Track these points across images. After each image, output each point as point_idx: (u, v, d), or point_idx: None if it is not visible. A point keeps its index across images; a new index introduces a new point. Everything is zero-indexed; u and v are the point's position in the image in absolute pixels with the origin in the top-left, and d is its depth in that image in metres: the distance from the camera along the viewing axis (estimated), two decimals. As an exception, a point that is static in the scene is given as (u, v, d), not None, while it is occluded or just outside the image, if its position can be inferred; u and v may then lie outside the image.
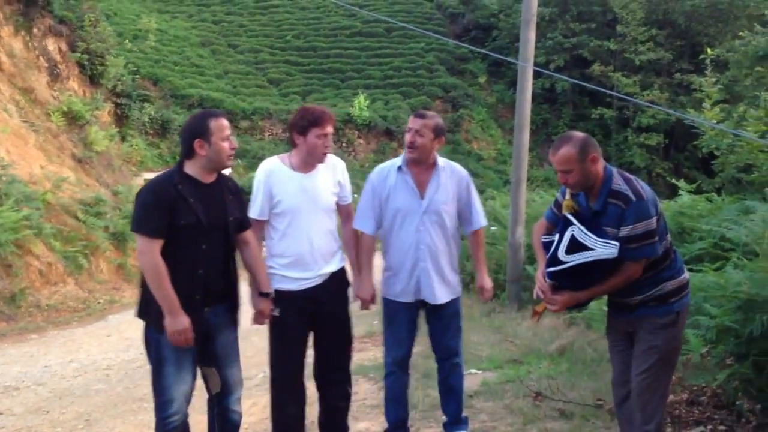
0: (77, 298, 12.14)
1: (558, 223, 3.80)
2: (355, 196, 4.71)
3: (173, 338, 3.80)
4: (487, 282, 4.86)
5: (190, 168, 3.95)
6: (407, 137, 4.57)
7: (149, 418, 6.02)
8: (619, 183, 3.61)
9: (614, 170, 3.68)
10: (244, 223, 4.19)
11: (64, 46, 19.95)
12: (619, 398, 3.95)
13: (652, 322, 3.66)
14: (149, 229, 3.81)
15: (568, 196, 3.80)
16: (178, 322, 3.78)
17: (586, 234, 3.59)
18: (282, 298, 4.35)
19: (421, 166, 4.61)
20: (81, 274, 12.87)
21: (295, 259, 4.37)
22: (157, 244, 3.79)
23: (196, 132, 3.91)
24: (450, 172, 4.68)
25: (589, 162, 3.61)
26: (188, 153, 3.93)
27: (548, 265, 3.71)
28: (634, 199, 3.54)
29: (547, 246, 3.80)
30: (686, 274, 3.79)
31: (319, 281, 4.42)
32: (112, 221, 14.78)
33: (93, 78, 21.40)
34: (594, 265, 3.57)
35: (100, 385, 7.24)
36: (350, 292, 4.67)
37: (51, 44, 19.39)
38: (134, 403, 6.57)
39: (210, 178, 4.01)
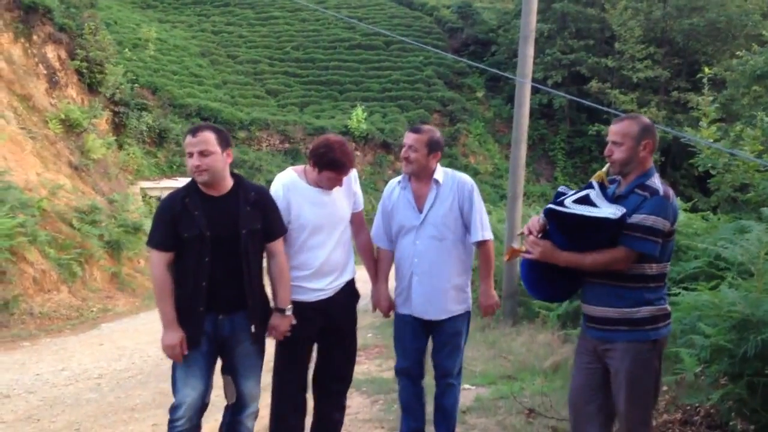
0: (70, 306, 12.10)
1: None
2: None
3: (164, 351, 3.95)
4: (486, 297, 4.78)
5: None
6: (402, 152, 4.59)
7: (140, 428, 6.04)
8: (655, 181, 3.60)
9: (657, 174, 3.66)
10: (271, 233, 4.19)
11: (63, 54, 19.95)
12: (575, 415, 3.89)
13: (626, 350, 3.60)
14: (154, 242, 3.98)
15: (605, 169, 3.78)
16: (170, 337, 3.91)
17: (600, 198, 3.59)
18: (295, 308, 4.33)
19: (421, 181, 4.63)
20: (75, 282, 12.84)
21: (313, 272, 4.40)
22: (162, 257, 3.93)
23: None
24: (452, 183, 4.63)
25: (641, 146, 3.61)
26: None
27: (552, 203, 3.66)
28: (661, 194, 3.53)
29: (558, 196, 3.75)
30: (668, 306, 3.73)
31: (332, 293, 4.46)
32: (107, 229, 14.74)
33: (91, 86, 21.39)
34: (591, 230, 3.52)
35: (92, 395, 7.20)
36: (360, 303, 4.70)
37: (50, 51, 19.40)
38: (125, 413, 6.54)
39: (219, 191, 4.06)
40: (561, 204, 3.60)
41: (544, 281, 3.90)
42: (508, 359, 7.88)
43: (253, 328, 4.10)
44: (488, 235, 4.66)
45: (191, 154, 3.93)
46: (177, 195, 4.04)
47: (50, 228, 13.11)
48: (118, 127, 24.40)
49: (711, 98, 10.31)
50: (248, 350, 4.15)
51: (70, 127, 17.94)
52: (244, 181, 4.21)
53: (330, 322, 4.47)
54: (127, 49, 34.46)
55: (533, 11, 10.43)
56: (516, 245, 3.89)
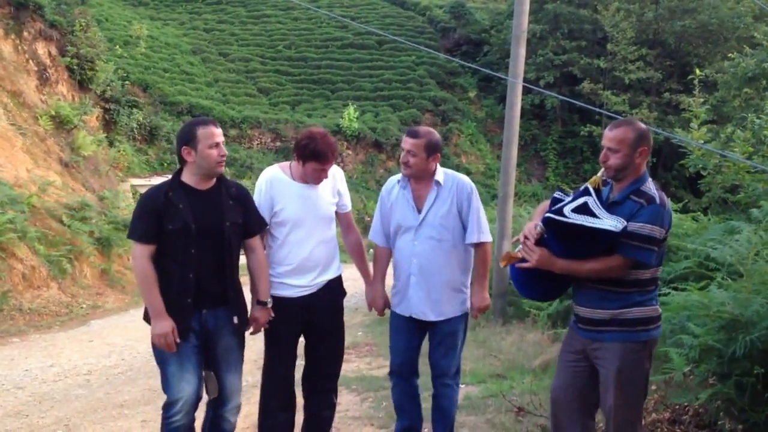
0: (60, 302, 12.05)
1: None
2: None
3: (156, 341, 3.96)
4: (480, 299, 4.75)
5: (186, 175, 4.12)
6: (401, 157, 4.59)
7: (129, 424, 6.03)
8: (650, 187, 3.61)
9: (650, 178, 3.67)
10: (250, 228, 4.28)
11: (54, 51, 19.85)
12: (556, 412, 3.91)
13: (616, 351, 3.61)
14: (137, 235, 4.00)
15: (599, 174, 3.77)
16: (161, 326, 3.93)
17: (599, 207, 3.57)
18: (278, 304, 4.39)
19: (420, 181, 4.63)
20: (64, 279, 12.79)
21: (295, 267, 4.44)
22: (146, 250, 3.96)
23: (184, 139, 4.05)
24: (451, 184, 4.64)
25: (638, 153, 3.60)
26: (180, 160, 4.10)
27: (550, 212, 3.63)
28: (657, 201, 3.54)
29: (554, 202, 3.72)
30: (658, 308, 3.75)
31: (314, 289, 4.49)
32: (97, 226, 14.68)
33: (82, 83, 21.28)
34: (588, 239, 3.52)
35: (81, 391, 7.19)
36: (350, 301, 4.71)
37: (41, 48, 19.30)
38: (114, 409, 6.53)
39: (206, 185, 4.13)
40: (560, 212, 3.59)
41: (535, 282, 3.90)
42: (498, 358, 7.89)
43: (235, 320, 4.17)
44: (485, 238, 4.65)
45: (217, 144, 4.04)
46: (160, 188, 4.10)
47: (40, 224, 13.05)
48: (109, 124, 24.31)
49: (702, 100, 10.36)
50: (230, 345, 4.21)
51: (61, 124, 17.86)
52: (224, 176, 4.29)
53: (315, 319, 4.50)
54: (118, 47, 34.31)
55: (525, 12, 10.47)
56: (512, 250, 3.87)
